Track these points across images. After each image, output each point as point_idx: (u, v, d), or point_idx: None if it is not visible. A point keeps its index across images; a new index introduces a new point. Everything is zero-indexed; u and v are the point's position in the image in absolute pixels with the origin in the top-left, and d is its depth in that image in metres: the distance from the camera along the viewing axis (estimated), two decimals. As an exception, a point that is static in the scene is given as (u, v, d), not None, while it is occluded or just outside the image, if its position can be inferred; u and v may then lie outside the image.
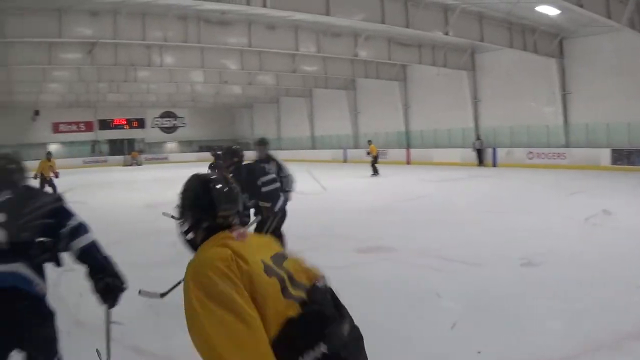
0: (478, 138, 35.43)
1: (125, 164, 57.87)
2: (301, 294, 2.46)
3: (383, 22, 24.84)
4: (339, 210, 15.81)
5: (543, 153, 32.17)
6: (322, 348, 2.28)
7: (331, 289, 2.59)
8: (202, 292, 2.28)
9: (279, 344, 2.28)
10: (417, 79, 41.88)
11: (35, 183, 14.08)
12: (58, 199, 3.70)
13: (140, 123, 65.76)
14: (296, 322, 2.35)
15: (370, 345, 2.51)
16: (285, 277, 2.48)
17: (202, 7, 25.33)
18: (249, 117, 67.25)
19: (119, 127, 64.61)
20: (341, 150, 48.08)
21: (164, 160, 62.35)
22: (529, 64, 33.34)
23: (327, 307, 2.47)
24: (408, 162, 39.71)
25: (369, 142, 31.43)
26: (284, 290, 2.42)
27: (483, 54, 36.33)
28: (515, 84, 34.82)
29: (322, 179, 19.63)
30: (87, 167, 47.33)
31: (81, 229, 3.62)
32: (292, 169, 9.66)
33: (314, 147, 53.37)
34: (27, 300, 3.40)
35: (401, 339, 5.72)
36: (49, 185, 20.55)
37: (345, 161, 46.20)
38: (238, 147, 8.86)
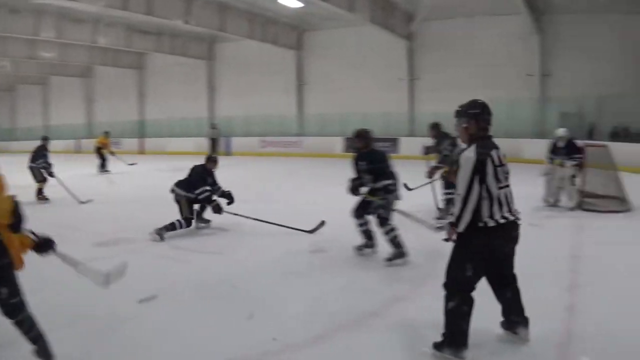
0: (213, 127, 36.12)
1: None
2: None
3: (125, 8, 24.70)
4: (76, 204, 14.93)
5: (277, 142, 33.94)
6: None
7: None
8: None
9: None
10: (155, 67, 41.87)
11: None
12: None
13: None
14: None
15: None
16: None
17: None
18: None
19: None
20: (74, 141, 45.51)
21: None
22: (268, 55, 35.15)
23: None
24: (142, 152, 39.19)
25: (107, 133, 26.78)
26: None
27: (223, 44, 37.64)
28: (253, 75, 36.43)
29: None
30: None
31: None
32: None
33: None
34: None
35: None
36: None
37: (79, 152, 43.40)
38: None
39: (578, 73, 26.82)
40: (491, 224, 4.70)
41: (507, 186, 4.87)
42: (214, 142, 35.14)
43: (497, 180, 4.72)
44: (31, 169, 16.07)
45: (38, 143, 16.98)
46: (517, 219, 4.91)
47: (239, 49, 36.19)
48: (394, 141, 30.09)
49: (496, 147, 4.87)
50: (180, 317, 6.19)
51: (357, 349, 5.25)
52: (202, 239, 10.51)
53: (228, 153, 34.59)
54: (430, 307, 5.68)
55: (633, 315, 5.84)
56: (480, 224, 4.69)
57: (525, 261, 5.38)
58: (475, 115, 4.93)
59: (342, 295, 6.92)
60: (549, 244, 9.27)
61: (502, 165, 4.80)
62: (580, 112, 26.33)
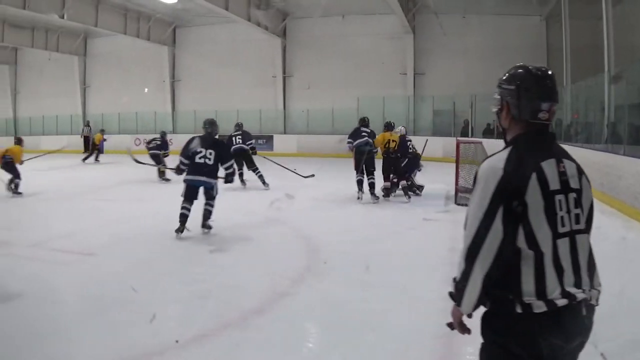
0: (87, 124, 35.00)
1: None
2: None
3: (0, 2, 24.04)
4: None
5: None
6: None
7: None
8: None
9: None
10: (28, 63, 40.43)
11: None
12: None
13: None
14: None
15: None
16: None
17: None
18: None
19: None
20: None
21: None
22: (142, 51, 35.03)
23: None
24: (14, 151, 37.46)
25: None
26: None
27: (96, 39, 36.99)
28: (127, 71, 36.19)
29: None
30: None
31: None
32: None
33: None
34: None
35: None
36: None
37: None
38: None
39: (451, 72, 28.18)
40: (539, 308, 2.21)
41: (580, 232, 2.35)
42: (87, 140, 33.87)
43: (553, 219, 2.28)
44: None
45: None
46: (590, 297, 2.32)
47: (113, 44, 35.54)
48: (268, 138, 30.34)
49: (554, 156, 2.38)
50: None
51: (244, 346, 5.05)
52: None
53: (101, 151, 33.56)
54: (310, 302, 6.10)
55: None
56: (519, 309, 2.23)
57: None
58: (515, 92, 2.49)
59: (224, 293, 6.65)
60: (428, 239, 9.67)
61: (567, 190, 2.34)
62: (455, 110, 27.89)
